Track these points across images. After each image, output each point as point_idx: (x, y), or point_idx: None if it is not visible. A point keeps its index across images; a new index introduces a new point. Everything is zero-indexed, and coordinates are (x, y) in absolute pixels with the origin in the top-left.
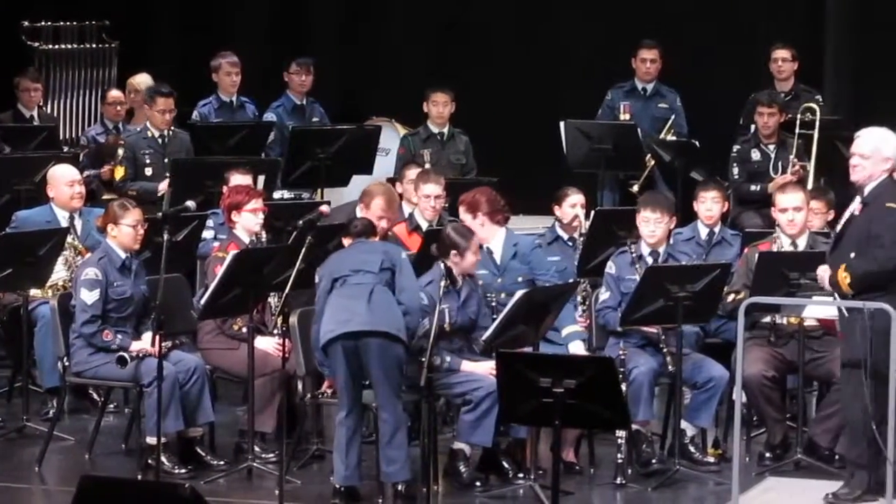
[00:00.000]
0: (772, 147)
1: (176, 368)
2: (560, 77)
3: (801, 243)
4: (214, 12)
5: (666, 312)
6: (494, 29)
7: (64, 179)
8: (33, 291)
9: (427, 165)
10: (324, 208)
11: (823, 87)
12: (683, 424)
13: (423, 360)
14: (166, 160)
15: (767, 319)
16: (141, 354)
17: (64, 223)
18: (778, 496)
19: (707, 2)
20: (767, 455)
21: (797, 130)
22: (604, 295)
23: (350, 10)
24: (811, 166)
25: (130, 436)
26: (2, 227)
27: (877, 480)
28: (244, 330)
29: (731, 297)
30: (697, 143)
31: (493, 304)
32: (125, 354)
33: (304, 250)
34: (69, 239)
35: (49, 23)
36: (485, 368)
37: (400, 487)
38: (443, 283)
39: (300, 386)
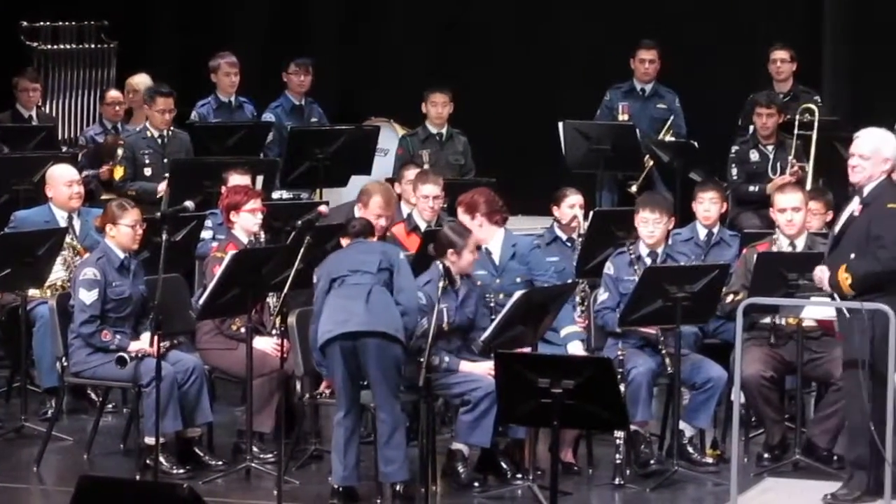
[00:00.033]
0: (770, 148)
1: (174, 368)
2: (559, 77)
3: (800, 244)
4: (213, 12)
5: (664, 313)
6: (493, 29)
7: (62, 179)
8: (32, 291)
9: (426, 166)
10: (322, 208)
11: (822, 87)
12: (682, 425)
13: (422, 360)
14: (166, 160)
15: (768, 320)
16: (140, 355)
17: (62, 223)
18: (776, 497)
19: (705, 3)
20: (766, 456)
21: (796, 131)
22: (602, 296)
23: (349, 11)
24: (810, 167)
25: (129, 436)
26: (0, 226)
27: (876, 481)
28: (243, 330)
29: (729, 298)
30: (696, 143)
31: (492, 304)
32: (125, 355)
33: (302, 250)
34: (68, 239)
35: (48, 23)
36: (483, 369)
37: (398, 488)
38: (441, 284)
39: (298, 386)
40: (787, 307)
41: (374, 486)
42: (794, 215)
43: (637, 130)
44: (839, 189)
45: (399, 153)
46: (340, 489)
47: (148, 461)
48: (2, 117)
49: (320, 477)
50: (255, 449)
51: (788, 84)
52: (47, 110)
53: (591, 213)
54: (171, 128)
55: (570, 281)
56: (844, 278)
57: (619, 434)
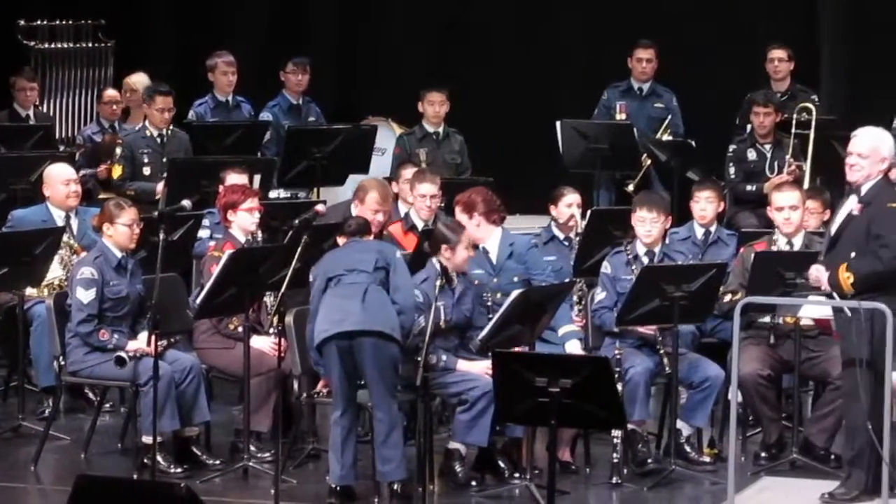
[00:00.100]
0: (768, 147)
1: (172, 368)
2: (556, 77)
3: (797, 243)
4: (210, 12)
5: (662, 312)
6: (491, 29)
7: (60, 178)
8: (29, 291)
9: (423, 165)
10: (319, 208)
11: (819, 86)
12: (679, 424)
13: (419, 359)
14: (164, 160)
15: (767, 320)
16: (138, 354)
17: (60, 222)
18: (773, 496)
19: (703, 2)
20: (763, 455)
21: (793, 130)
22: (599, 295)
23: (347, 10)
24: (807, 166)
25: (126, 435)
26: None
27: (874, 480)
28: (240, 329)
29: (728, 298)
30: (693, 142)
31: (489, 303)
32: (123, 355)
33: (299, 249)
34: (65, 238)
35: (45, 22)
36: (480, 368)
37: (396, 487)
38: (438, 283)
39: (296, 385)
40: (785, 306)
41: (372, 486)
42: (792, 214)
43: (634, 130)
44: (836, 188)
45: (396, 152)
46: (338, 488)
47: (145, 460)
48: None
49: (318, 476)
50: (252, 448)
51: (786, 83)
52: (44, 109)
53: (588, 213)
54: (171, 127)
55: (567, 280)
56: (846, 277)
57: (616, 433)
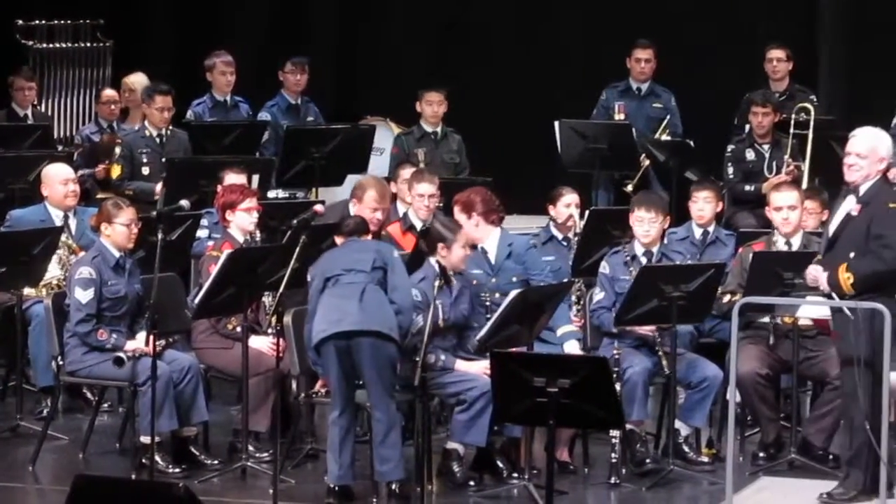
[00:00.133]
0: (766, 147)
1: (170, 368)
2: (554, 77)
3: (796, 243)
4: (209, 11)
5: (660, 312)
6: (489, 29)
7: (58, 178)
8: (27, 290)
9: (421, 165)
10: (318, 207)
11: (818, 86)
12: (677, 424)
13: (418, 358)
14: (164, 160)
15: (767, 320)
16: (136, 354)
17: (58, 222)
18: (772, 496)
19: (702, 2)
20: (761, 455)
21: (791, 130)
22: (598, 295)
23: (346, 10)
24: (805, 166)
25: (124, 435)
26: None
27: (873, 480)
28: (238, 329)
29: (727, 298)
30: (692, 142)
31: (487, 303)
32: (122, 355)
33: (298, 249)
34: (63, 238)
35: (43, 21)
36: (479, 368)
37: (394, 487)
38: (437, 283)
39: (294, 385)
40: (783, 306)
41: (370, 486)
42: (790, 213)
43: (633, 129)
44: (835, 188)
45: (394, 152)
46: (336, 488)
47: (144, 460)
48: None
49: (316, 476)
50: (250, 448)
51: (784, 83)
52: (43, 109)
53: (587, 213)
54: (170, 127)
55: (565, 280)
56: (846, 278)
57: (614, 433)
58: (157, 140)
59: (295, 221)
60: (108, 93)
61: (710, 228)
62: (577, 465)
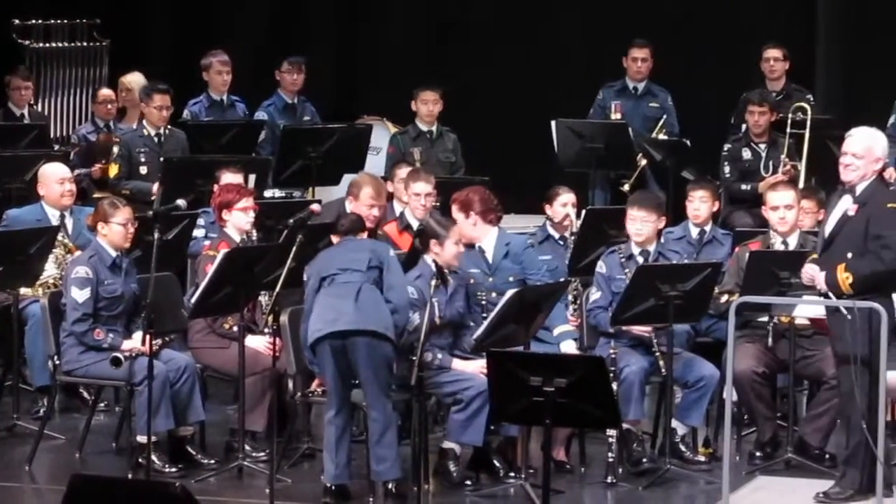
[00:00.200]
0: (763, 146)
1: (167, 367)
2: (551, 76)
3: (792, 242)
4: (205, 11)
5: (657, 312)
6: (487, 29)
7: (54, 177)
8: (24, 290)
9: (417, 164)
10: (314, 207)
11: (815, 86)
12: (674, 423)
13: (414, 357)
14: (162, 160)
15: (765, 319)
16: (133, 354)
17: (55, 221)
18: (768, 495)
19: (700, 2)
20: (758, 454)
21: (788, 130)
22: (594, 294)
23: (344, 9)
24: (802, 166)
25: (121, 435)
26: None
27: (869, 479)
28: (235, 328)
29: (724, 298)
30: (689, 142)
31: (484, 302)
32: (119, 355)
33: (294, 249)
34: (60, 237)
35: (40, 21)
36: (475, 367)
37: (390, 486)
38: (433, 282)
39: (291, 384)
40: (779, 306)
41: (367, 485)
42: (787, 213)
43: (630, 129)
44: (831, 188)
45: (390, 152)
46: (332, 487)
47: (140, 460)
48: None
49: (313, 475)
50: (247, 447)
51: (781, 83)
52: (39, 109)
53: (583, 212)
54: (168, 126)
55: (562, 280)
56: (845, 278)
57: (611, 432)
58: (156, 139)
59: (291, 221)
60: (105, 92)
61: (707, 228)
62: (573, 465)
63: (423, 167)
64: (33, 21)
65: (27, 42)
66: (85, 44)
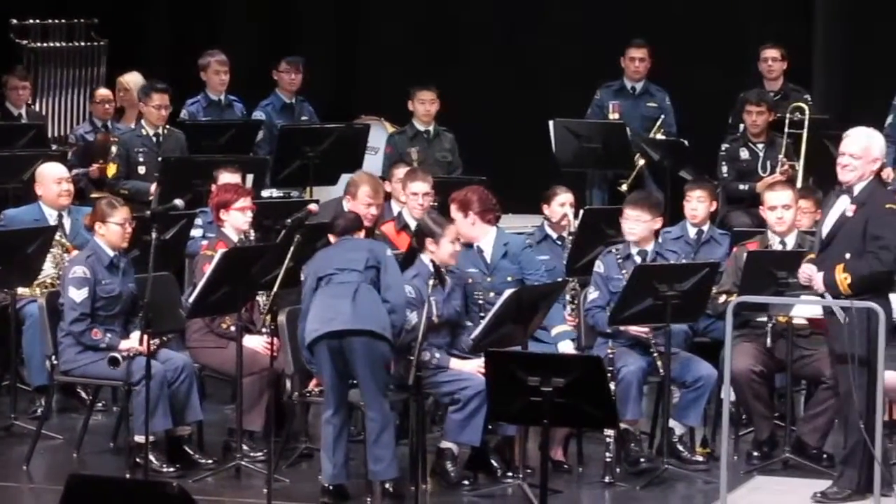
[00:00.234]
0: (760, 146)
1: (164, 367)
2: (549, 76)
3: (790, 242)
4: (203, 11)
5: (654, 311)
6: (485, 29)
7: (52, 177)
8: (21, 290)
9: (415, 164)
10: (312, 207)
11: (813, 86)
12: (672, 423)
13: (412, 357)
14: (160, 160)
15: (763, 319)
16: (131, 353)
17: (52, 221)
18: (766, 495)
19: (697, 2)
20: (755, 454)
21: (786, 129)
22: (592, 294)
23: (342, 9)
24: (800, 165)
25: (118, 434)
26: None
27: (867, 479)
28: (233, 328)
29: (722, 299)
30: (686, 142)
31: (482, 302)
32: (117, 355)
33: (292, 249)
34: (57, 237)
35: (37, 21)
36: (473, 367)
37: (388, 486)
38: (431, 282)
39: (288, 384)
40: (777, 305)
41: (364, 485)
42: (785, 213)
43: (627, 129)
44: (829, 187)
45: (388, 152)
46: (330, 487)
47: (138, 459)
48: None
49: (310, 475)
50: (245, 447)
51: (779, 82)
52: (37, 108)
53: (581, 212)
54: (167, 126)
55: (560, 279)
56: (843, 278)
57: (609, 432)
58: (154, 139)
59: (289, 220)
60: (103, 92)
61: (705, 228)
62: (571, 465)
63: (420, 167)
64: (31, 21)
65: (25, 42)
66: (83, 43)
